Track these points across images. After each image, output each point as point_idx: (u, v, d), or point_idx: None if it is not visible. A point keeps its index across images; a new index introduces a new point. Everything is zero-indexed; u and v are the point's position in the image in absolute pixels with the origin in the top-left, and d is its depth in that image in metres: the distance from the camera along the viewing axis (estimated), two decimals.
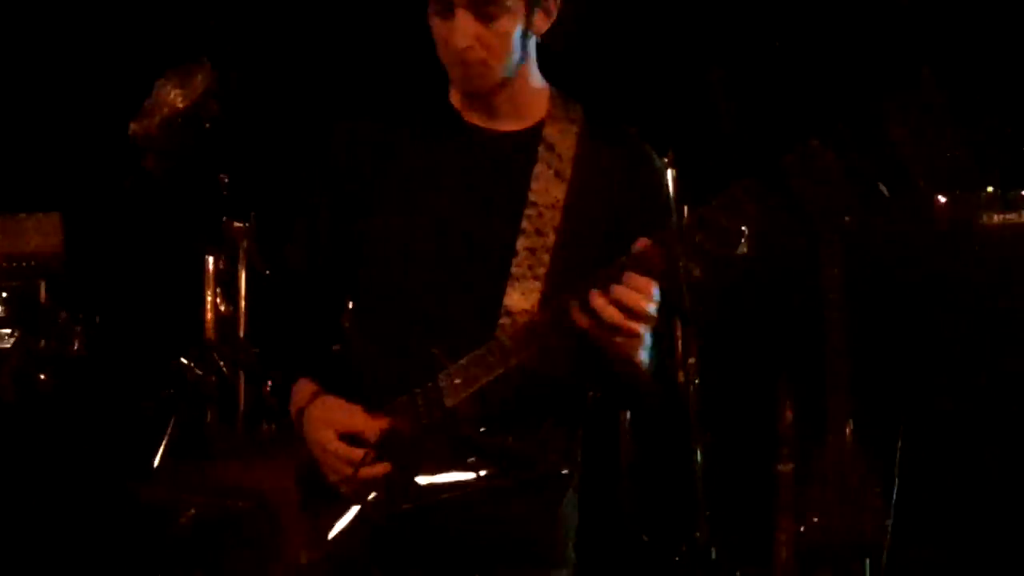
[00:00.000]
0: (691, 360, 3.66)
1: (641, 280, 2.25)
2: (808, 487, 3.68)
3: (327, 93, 3.99)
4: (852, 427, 3.63)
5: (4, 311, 4.11)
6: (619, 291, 2.26)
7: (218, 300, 4.03)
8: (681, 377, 3.64)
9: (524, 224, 2.44)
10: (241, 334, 3.96)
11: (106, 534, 4.06)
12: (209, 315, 4.04)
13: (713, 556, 3.70)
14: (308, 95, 4.05)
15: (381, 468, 2.37)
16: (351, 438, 2.39)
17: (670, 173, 3.74)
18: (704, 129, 3.64)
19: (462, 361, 2.36)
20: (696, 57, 3.87)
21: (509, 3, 2.36)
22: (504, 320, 2.40)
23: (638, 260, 2.27)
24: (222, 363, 3.95)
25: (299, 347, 2.59)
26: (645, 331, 2.28)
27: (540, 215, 2.44)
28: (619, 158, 2.49)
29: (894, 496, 3.56)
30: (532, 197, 2.45)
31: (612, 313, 2.25)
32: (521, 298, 2.41)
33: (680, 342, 3.65)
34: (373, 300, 2.51)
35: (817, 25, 3.92)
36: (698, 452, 3.67)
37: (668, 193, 2.53)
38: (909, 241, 3.86)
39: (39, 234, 4.12)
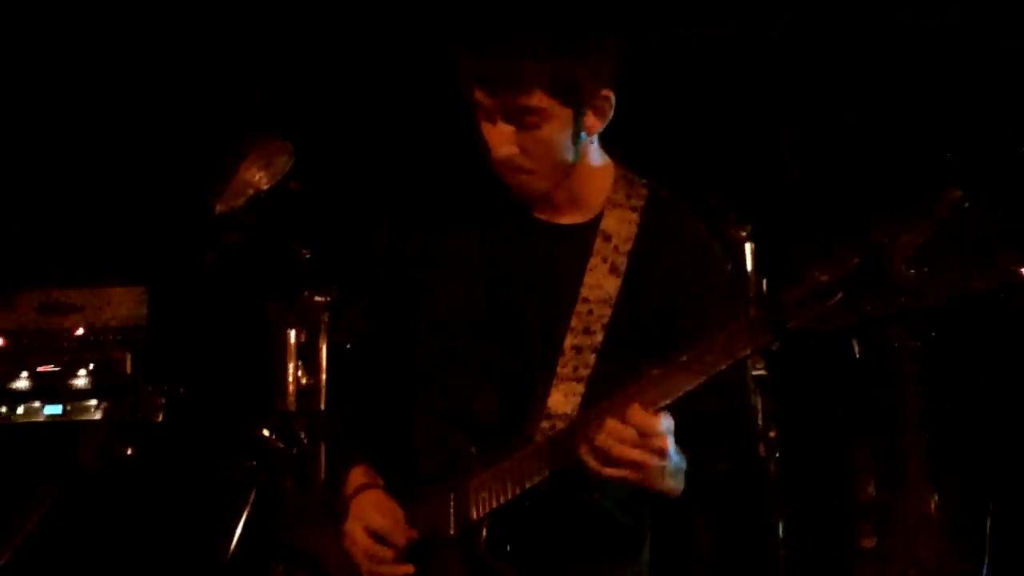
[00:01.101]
0: (771, 433, 3.63)
1: (639, 418, 2.13)
2: (890, 562, 3.62)
3: (401, 168, 4.04)
4: (936, 501, 3.57)
5: (90, 382, 4.18)
6: (608, 433, 2.15)
7: (299, 372, 4.07)
8: (762, 451, 3.62)
9: (573, 321, 2.36)
10: (322, 406, 3.99)
11: None
12: (290, 387, 4.08)
13: None
14: (384, 170, 4.10)
15: (402, 570, 2.36)
16: (380, 536, 2.37)
17: (748, 247, 3.76)
18: (784, 201, 3.64)
19: (490, 472, 2.30)
20: (772, 127, 3.87)
21: (551, 110, 2.27)
22: (544, 424, 2.32)
23: (644, 388, 2.17)
24: (302, 434, 3.98)
25: (358, 428, 2.56)
26: (655, 464, 2.16)
27: (591, 312, 2.36)
28: (679, 252, 2.39)
29: (984, 571, 3.49)
30: (584, 292, 2.37)
31: (605, 455, 2.15)
32: (563, 400, 2.33)
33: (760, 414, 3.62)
34: (424, 384, 2.47)
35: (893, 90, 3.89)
36: (780, 525, 3.65)
37: (726, 290, 2.42)
38: (991, 312, 3.80)
39: (125, 306, 4.19)
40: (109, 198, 4.42)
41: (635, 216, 2.39)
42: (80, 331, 4.17)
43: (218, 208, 3.02)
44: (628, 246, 2.38)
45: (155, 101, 4.36)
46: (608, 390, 2.26)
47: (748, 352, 2.14)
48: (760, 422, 3.60)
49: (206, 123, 4.25)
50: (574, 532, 2.37)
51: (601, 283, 2.36)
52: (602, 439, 2.16)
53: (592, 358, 2.34)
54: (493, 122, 2.30)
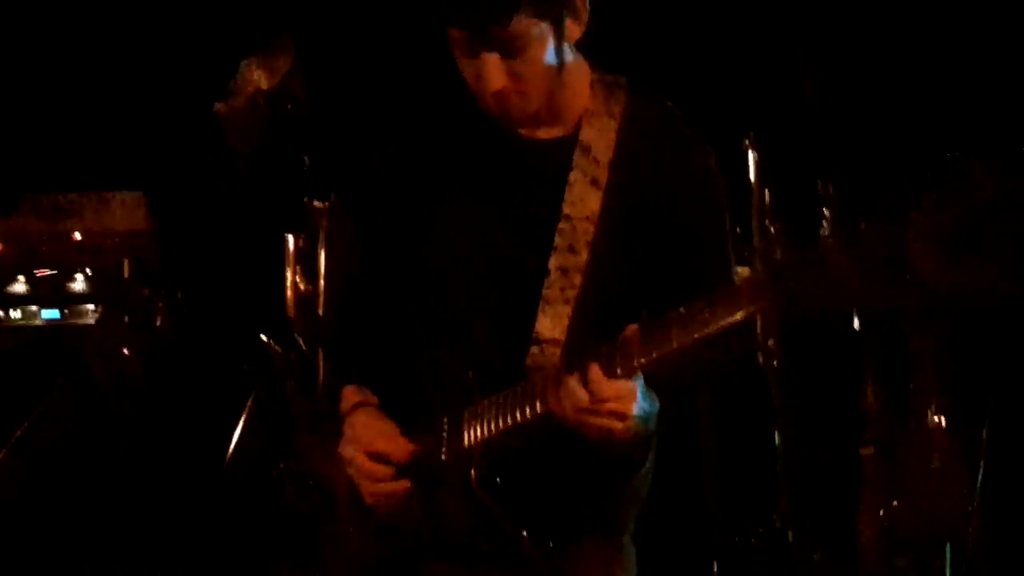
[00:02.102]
0: (770, 342, 3.62)
1: (596, 381, 2.07)
2: (890, 470, 3.63)
3: (404, 73, 4.00)
4: (936, 409, 3.57)
5: (88, 287, 4.18)
6: (565, 393, 2.10)
7: (298, 279, 4.07)
8: (760, 359, 3.61)
9: (557, 240, 2.28)
10: (320, 312, 3.99)
11: (188, 506, 4.11)
12: (289, 293, 4.08)
13: (789, 538, 3.68)
14: (388, 75, 4.06)
15: (400, 486, 2.33)
16: (378, 455, 2.34)
17: (751, 156, 3.72)
18: (787, 108, 3.59)
19: (484, 402, 2.26)
20: (779, 34, 3.81)
21: (534, 31, 2.18)
22: (534, 349, 2.27)
23: (623, 346, 2.09)
24: (301, 340, 3.99)
25: (352, 349, 2.52)
26: (613, 426, 2.11)
27: (573, 229, 2.28)
28: (663, 159, 2.30)
29: (979, 480, 3.50)
30: (566, 209, 2.28)
31: (568, 412, 2.11)
32: (551, 324, 2.27)
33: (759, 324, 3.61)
34: (419, 306, 2.44)
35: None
36: (777, 433, 3.66)
37: (717, 192, 2.34)
38: None
39: (124, 212, 4.18)
40: (112, 102, 4.39)
41: (614, 124, 2.31)
42: (79, 236, 4.16)
43: (217, 108, 3.00)
44: (608, 156, 2.29)
45: (160, 3, 4.32)
46: (595, 317, 2.23)
47: (744, 316, 2.02)
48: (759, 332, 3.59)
49: (208, 22, 4.21)
50: (574, 452, 2.34)
51: (583, 198, 2.28)
52: (556, 399, 2.13)
53: (578, 279, 2.27)
54: (475, 55, 2.22)
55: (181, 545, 4.08)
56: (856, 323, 3.56)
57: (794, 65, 3.55)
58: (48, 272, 4.18)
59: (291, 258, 4.07)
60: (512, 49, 2.20)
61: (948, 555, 3.56)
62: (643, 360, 2.09)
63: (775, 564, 3.61)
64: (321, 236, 3.99)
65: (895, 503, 3.58)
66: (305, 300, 4.07)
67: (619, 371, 2.09)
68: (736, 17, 3.89)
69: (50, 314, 4.18)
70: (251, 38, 3.04)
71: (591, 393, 2.09)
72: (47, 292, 4.18)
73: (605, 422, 2.11)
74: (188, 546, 4.07)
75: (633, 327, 2.10)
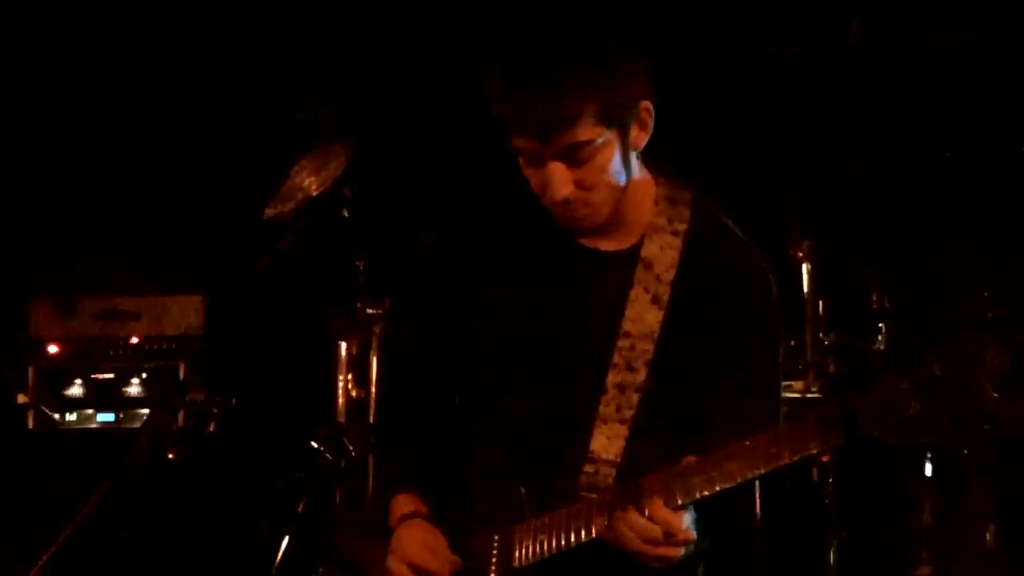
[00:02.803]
0: (824, 458, 3.55)
1: (662, 517, 2.08)
2: None
3: (455, 183, 4.02)
4: (994, 529, 3.49)
5: (143, 391, 4.18)
6: (630, 527, 2.11)
7: (350, 385, 4.05)
8: (815, 476, 3.55)
9: (615, 357, 2.25)
10: (371, 419, 3.96)
11: None
12: (341, 399, 4.06)
13: None
14: (443, 181, 4.08)
15: None
16: (425, 573, 2.30)
17: (805, 267, 3.69)
18: (846, 220, 3.57)
19: (537, 521, 2.23)
20: (838, 145, 3.80)
21: (600, 140, 2.17)
22: (588, 468, 2.23)
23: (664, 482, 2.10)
24: (351, 447, 3.96)
25: (406, 448, 2.46)
26: (673, 555, 2.12)
27: (632, 347, 2.24)
28: (724, 281, 2.27)
29: None
30: (626, 326, 2.25)
31: (631, 545, 2.12)
32: (607, 443, 2.23)
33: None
34: (472, 411, 2.40)
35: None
36: (831, 551, 3.58)
37: (773, 316, 2.30)
38: None
39: (181, 315, 4.20)
40: (171, 207, 4.44)
41: (677, 241, 2.28)
42: (135, 339, 4.19)
43: (267, 213, 3.01)
44: (671, 275, 2.27)
45: (216, 110, 4.39)
46: (652, 438, 2.21)
47: (808, 455, 2.03)
48: None
49: (268, 133, 4.27)
50: (620, 568, 2.29)
51: (643, 316, 2.26)
52: (623, 532, 2.12)
53: (635, 398, 2.24)
54: (542, 165, 2.21)
55: None
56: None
57: (848, 175, 3.54)
58: (105, 375, 4.20)
59: (343, 364, 4.06)
60: (577, 158, 2.18)
61: None
62: (706, 493, 2.08)
63: None
64: (374, 342, 3.98)
65: None
66: (356, 406, 4.06)
67: (679, 502, 2.09)
68: (792, 127, 3.90)
69: (105, 417, 4.19)
70: (306, 140, 3.06)
71: (661, 526, 2.10)
72: (103, 395, 4.19)
73: (664, 552, 2.10)
74: None
75: (693, 459, 2.09)
